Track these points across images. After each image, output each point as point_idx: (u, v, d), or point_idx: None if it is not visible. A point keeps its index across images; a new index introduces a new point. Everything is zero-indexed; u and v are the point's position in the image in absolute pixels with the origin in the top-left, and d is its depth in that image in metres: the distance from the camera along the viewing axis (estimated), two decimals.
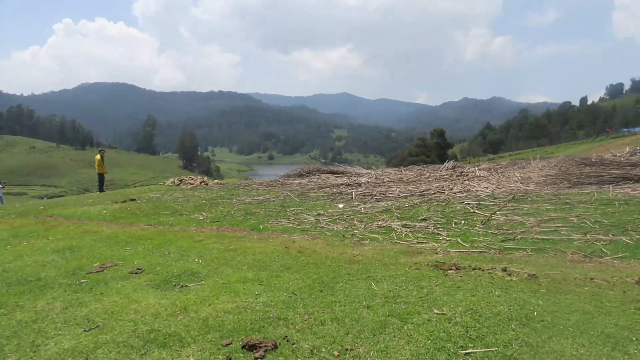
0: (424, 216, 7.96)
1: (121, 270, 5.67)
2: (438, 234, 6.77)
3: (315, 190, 12.59)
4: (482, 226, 6.96)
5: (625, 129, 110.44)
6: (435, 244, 6.21)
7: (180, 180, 25.77)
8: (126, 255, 6.52)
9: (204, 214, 10.64)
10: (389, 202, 9.67)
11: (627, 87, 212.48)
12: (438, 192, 10.00)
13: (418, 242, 6.37)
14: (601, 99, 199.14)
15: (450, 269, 4.91)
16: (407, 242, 6.45)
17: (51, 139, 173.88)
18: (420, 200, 9.51)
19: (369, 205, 9.46)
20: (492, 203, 8.48)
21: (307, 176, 17.06)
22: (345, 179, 13.74)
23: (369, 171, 17.20)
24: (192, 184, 25.06)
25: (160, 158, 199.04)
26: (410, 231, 7.06)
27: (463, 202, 8.72)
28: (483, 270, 4.81)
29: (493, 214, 7.55)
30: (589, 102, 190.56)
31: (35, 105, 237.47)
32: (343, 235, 7.19)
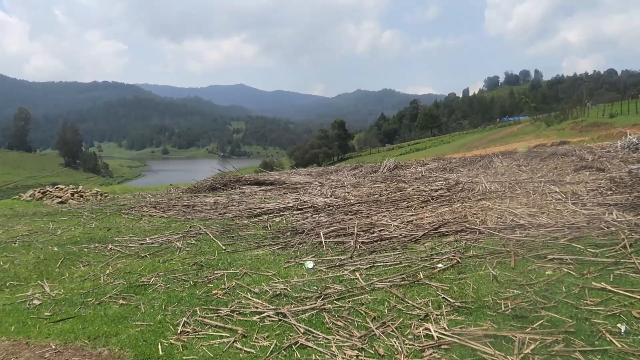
0: (505, 295, 3.86)
1: None
2: None
3: (246, 221, 7.98)
4: None
5: (509, 118, 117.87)
6: None
7: (43, 193, 19.43)
8: None
9: (47, 285, 5.65)
10: (395, 253, 5.45)
11: (502, 79, 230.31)
12: (464, 227, 6.00)
13: None
14: (480, 91, 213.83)
15: None
16: None
17: None
18: (451, 246, 5.43)
19: (365, 265, 5.16)
20: (606, 258, 4.63)
21: (223, 189, 12.21)
22: (289, 199, 9.20)
23: (306, 177, 12.84)
24: (61, 196, 18.93)
25: (37, 155, 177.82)
26: None
27: (541, 255, 4.78)
28: None
29: None
30: (471, 94, 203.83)
31: None
32: None
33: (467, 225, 6.05)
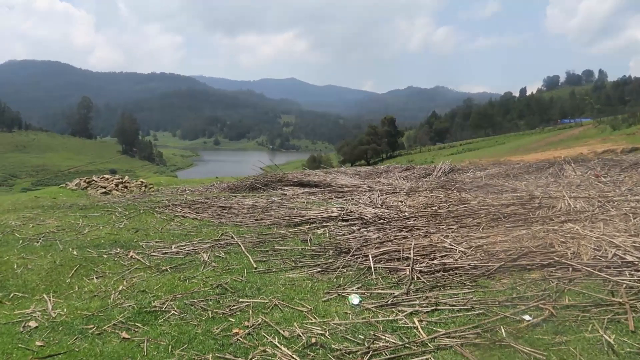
0: None
1: None
2: None
3: (284, 231, 7.03)
4: None
5: (570, 120, 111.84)
6: None
7: (89, 182, 19.35)
8: None
9: (51, 301, 4.92)
10: (464, 292, 4.31)
11: (562, 79, 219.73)
12: (552, 260, 4.75)
13: None
14: (539, 90, 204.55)
15: None
16: None
17: None
18: (537, 287, 4.21)
19: (426, 306, 4.06)
20: None
21: (264, 189, 11.35)
22: (334, 207, 8.13)
23: (354, 179, 11.79)
24: (105, 187, 18.79)
25: (97, 142, 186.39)
26: None
27: None
28: None
29: None
30: (528, 93, 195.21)
31: None
32: None
33: (556, 258, 4.80)
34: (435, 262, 5.04)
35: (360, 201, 8.47)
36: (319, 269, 5.27)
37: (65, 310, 4.71)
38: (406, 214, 7.24)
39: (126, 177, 21.19)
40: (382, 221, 6.89)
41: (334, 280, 4.94)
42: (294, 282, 4.97)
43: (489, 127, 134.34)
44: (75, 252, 6.73)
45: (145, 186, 19.32)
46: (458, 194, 8.67)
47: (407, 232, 6.33)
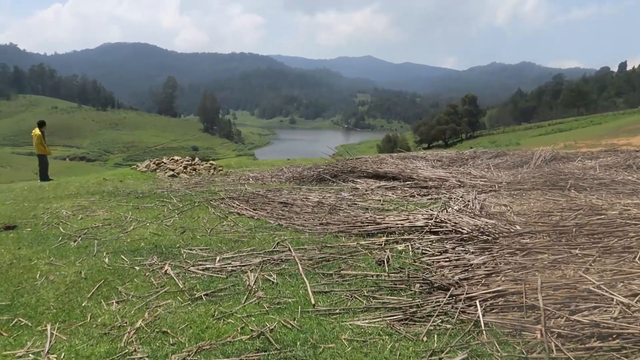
0: None
1: None
2: None
3: (354, 243, 5.53)
4: None
5: None
6: None
7: (158, 164, 18.98)
8: None
9: (51, 339, 3.81)
10: None
11: None
12: None
13: None
14: None
15: None
16: None
17: (72, 100, 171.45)
18: None
19: None
20: None
21: (333, 181, 9.90)
22: (418, 211, 6.46)
23: (437, 168, 10.00)
24: (173, 169, 18.31)
25: (181, 120, 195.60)
26: None
27: None
28: None
29: None
30: (629, 68, 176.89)
31: (59, 65, 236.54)
32: None
33: None
34: (579, 318, 3.31)
35: (450, 203, 6.74)
36: (400, 315, 3.72)
37: (63, 355, 3.57)
38: (517, 227, 5.45)
39: (196, 159, 20.65)
40: (486, 237, 5.16)
41: (424, 339, 3.37)
42: (364, 336, 3.47)
43: (582, 106, 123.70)
44: (106, 260, 5.67)
45: (214, 168, 18.64)
46: (584, 197, 6.67)
47: (523, 255, 4.59)
